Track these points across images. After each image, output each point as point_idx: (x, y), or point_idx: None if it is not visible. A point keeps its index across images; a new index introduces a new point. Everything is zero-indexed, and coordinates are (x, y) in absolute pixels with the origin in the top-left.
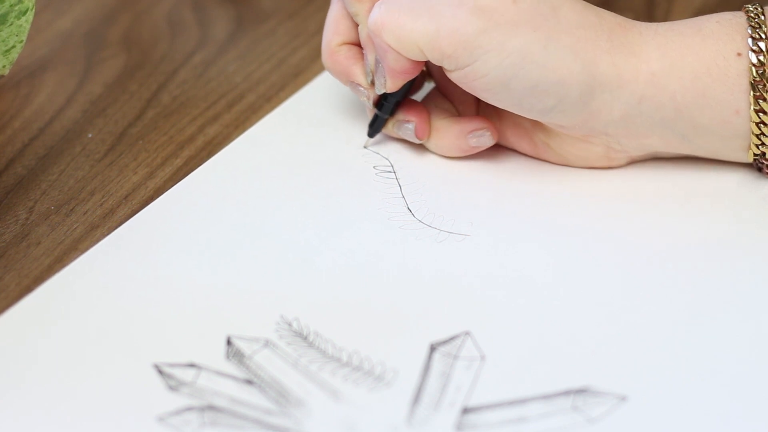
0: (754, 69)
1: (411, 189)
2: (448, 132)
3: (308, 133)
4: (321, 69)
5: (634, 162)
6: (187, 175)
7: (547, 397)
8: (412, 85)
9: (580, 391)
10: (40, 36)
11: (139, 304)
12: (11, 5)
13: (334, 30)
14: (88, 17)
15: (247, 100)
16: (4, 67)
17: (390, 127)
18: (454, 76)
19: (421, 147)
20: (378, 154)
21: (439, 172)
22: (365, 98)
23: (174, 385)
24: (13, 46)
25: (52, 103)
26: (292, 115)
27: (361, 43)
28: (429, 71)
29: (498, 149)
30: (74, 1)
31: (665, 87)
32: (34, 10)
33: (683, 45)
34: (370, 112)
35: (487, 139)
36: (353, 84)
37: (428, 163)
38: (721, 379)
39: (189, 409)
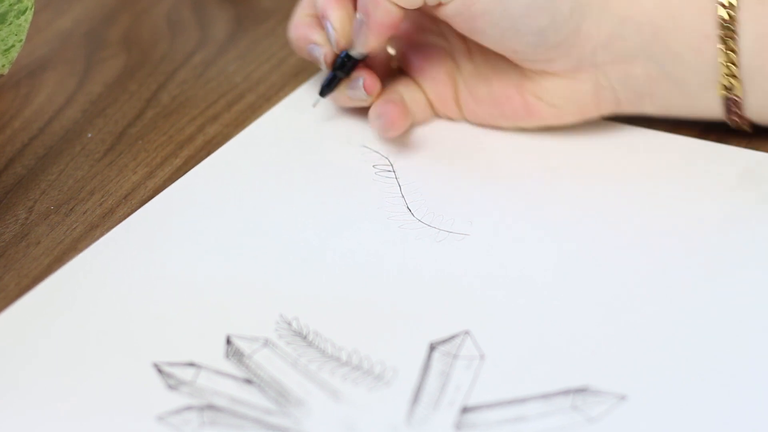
0: None
1: (410, 188)
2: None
3: (307, 132)
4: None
5: (622, 110)
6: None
7: (546, 396)
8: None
9: (580, 391)
10: (39, 35)
11: (139, 303)
12: (10, 4)
13: (301, 5)
14: (88, 17)
15: (247, 100)
16: (3, 66)
17: (342, 89)
18: (450, 9)
19: (421, 147)
20: (378, 153)
21: (438, 171)
22: (322, 58)
23: (173, 384)
24: (13, 46)
25: (51, 103)
26: (291, 114)
27: (319, 8)
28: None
29: (498, 148)
30: (74, 1)
31: (643, 5)
32: (33, 10)
33: None
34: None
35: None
36: (311, 47)
37: (428, 162)
38: (721, 379)
39: (188, 408)
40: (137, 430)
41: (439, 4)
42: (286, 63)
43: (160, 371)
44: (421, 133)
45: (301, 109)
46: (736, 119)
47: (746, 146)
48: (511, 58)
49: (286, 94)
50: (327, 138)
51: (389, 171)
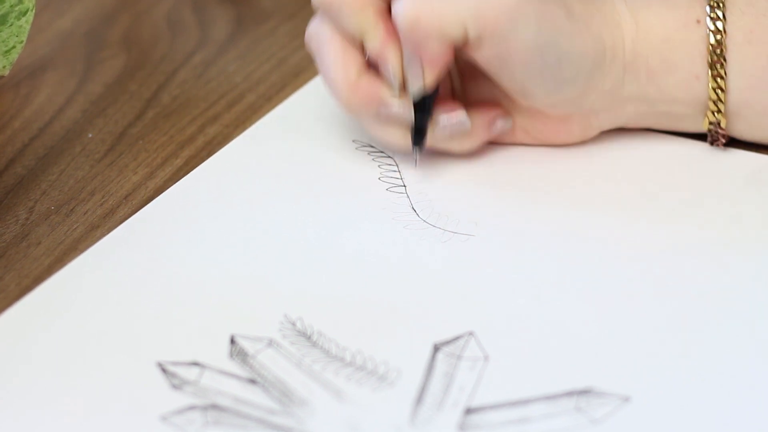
0: (711, 35)
1: (416, 189)
2: (474, 120)
3: (312, 132)
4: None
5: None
6: (187, 175)
7: (550, 397)
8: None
9: (584, 392)
10: (40, 36)
11: (142, 303)
12: (11, 6)
13: (344, 66)
14: (88, 17)
15: (247, 100)
16: (4, 67)
17: (432, 132)
18: (485, 52)
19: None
20: (383, 153)
21: (444, 172)
22: (404, 109)
23: (177, 383)
24: (14, 47)
25: (52, 103)
26: (296, 113)
27: (375, 55)
28: None
29: (504, 150)
30: (74, 1)
31: (640, 54)
32: (34, 11)
33: (651, 14)
34: (395, 136)
35: (509, 123)
36: (383, 107)
37: (433, 162)
38: (725, 380)
39: (192, 408)
40: (141, 430)
41: (476, 45)
42: (286, 63)
43: (163, 371)
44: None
45: (304, 108)
46: (719, 144)
47: (752, 150)
48: (515, 96)
49: (286, 94)
50: (332, 138)
51: (394, 171)
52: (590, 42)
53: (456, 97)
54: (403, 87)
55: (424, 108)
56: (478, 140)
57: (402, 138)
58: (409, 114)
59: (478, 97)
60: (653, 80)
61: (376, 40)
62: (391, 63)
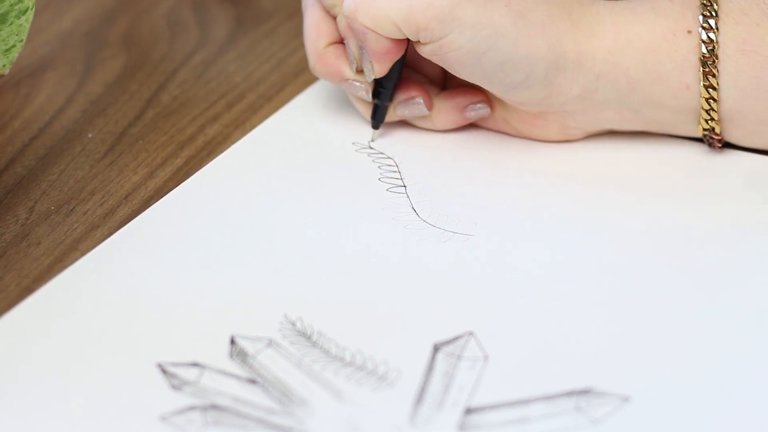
0: (703, 45)
1: (415, 189)
2: (444, 107)
3: (312, 133)
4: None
5: (590, 135)
6: (187, 175)
7: (550, 397)
8: (403, 65)
9: (584, 392)
10: (40, 36)
11: (143, 304)
12: (11, 4)
13: (316, 33)
14: (88, 17)
15: (247, 100)
16: (4, 66)
17: (393, 112)
18: (426, 50)
19: (426, 147)
20: (382, 153)
21: (443, 171)
22: (363, 92)
23: (177, 384)
24: (13, 46)
25: (52, 103)
26: (297, 115)
27: (341, 33)
28: None
29: (503, 149)
30: (74, 1)
31: (620, 64)
32: (34, 10)
33: (637, 23)
34: (363, 108)
35: (484, 111)
36: (346, 82)
37: (433, 162)
38: (725, 380)
39: (192, 408)
40: (141, 430)
41: (418, 42)
42: (286, 63)
43: (163, 371)
44: (426, 133)
45: (306, 110)
46: (716, 147)
47: (752, 150)
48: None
49: (286, 94)
50: (332, 139)
51: (394, 171)
52: (543, 48)
53: (446, 79)
54: (361, 69)
55: (380, 93)
56: (449, 123)
57: (365, 112)
58: (367, 95)
59: (465, 81)
60: (636, 89)
61: (342, 22)
62: (350, 45)
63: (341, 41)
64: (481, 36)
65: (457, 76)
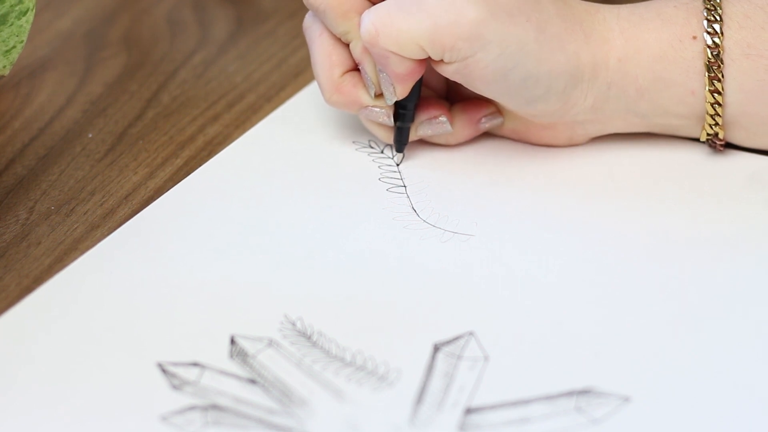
0: (708, 51)
1: (416, 189)
2: (458, 121)
3: (312, 133)
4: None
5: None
6: (187, 175)
7: (550, 397)
8: (421, 84)
9: (584, 392)
10: (40, 36)
11: (143, 303)
12: (12, 6)
13: (329, 63)
14: (88, 17)
15: (247, 100)
16: (4, 67)
17: (414, 132)
18: (449, 69)
19: (424, 146)
20: (383, 154)
21: (444, 172)
22: (384, 117)
23: (177, 384)
24: (14, 47)
25: (52, 103)
26: (296, 114)
27: (357, 60)
28: None
29: (504, 149)
30: (74, 1)
31: (630, 72)
32: (34, 11)
33: (644, 30)
34: (381, 132)
35: (497, 121)
36: (366, 109)
37: (433, 163)
38: (725, 380)
39: (192, 408)
40: (141, 430)
41: (440, 62)
42: (286, 63)
43: (164, 371)
44: None
45: (305, 109)
46: (717, 149)
47: (753, 151)
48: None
49: (286, 94)
50: (332, 138)
51: (394, 171)
52: (563, 62)
53: (449, 90)
54: (381, 94)
55: (403, 114)
56: (464, 137)
57: (386, 136)
58: (389, 119)
59: (472, 93)
60: (645, 96)
61: (357, 48)
62: (368, 71)
63: (355, 68)
64: (507, 53)
65: (476, 92)
